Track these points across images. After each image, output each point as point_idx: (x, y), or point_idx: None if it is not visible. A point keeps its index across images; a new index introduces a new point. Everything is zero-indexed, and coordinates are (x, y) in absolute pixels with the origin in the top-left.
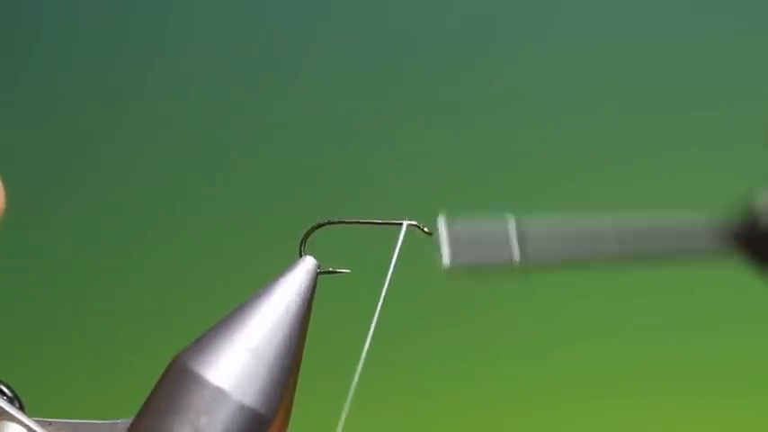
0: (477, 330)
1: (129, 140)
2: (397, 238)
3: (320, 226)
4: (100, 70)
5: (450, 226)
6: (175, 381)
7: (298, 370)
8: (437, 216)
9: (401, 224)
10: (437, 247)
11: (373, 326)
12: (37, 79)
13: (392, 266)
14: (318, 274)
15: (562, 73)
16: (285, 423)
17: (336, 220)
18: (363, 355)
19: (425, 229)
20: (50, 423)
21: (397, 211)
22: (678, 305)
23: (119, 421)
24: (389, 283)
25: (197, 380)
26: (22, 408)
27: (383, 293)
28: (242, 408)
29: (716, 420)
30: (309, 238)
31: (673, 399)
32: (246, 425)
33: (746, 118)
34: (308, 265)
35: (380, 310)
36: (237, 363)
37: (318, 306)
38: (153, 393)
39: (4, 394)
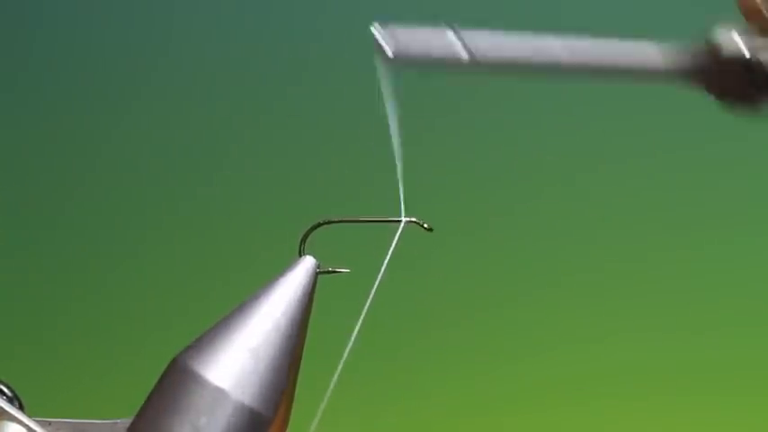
0: (477, 331)
1: (129, 141)
2: (396, 234)
3: (319, 225)
4: (101, 72)
5: (387, 29)
6: (175, 380)
7: (297, 369)
8: (436, 216)
9: (400, 221)
10: (378, 47)
11: (360, 320)
12: (38, 80)
13: (386, 260)
14: (318, 274)
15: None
16: (285, 423)
17: (335, 219)
18: (348, 348)
19: (425, 226)
20: (50, 423)
21: (396, 212)
22: (677, 305)
23: (119, 421)
24: (382, 276)
25: (197, 380)
26: (21, 408)
27: (375, 287)
28: (242, 407)
29: (715, 420)
30: (309, 238)
31: (671, 399)
32: (246, 424)
33: None
34: (307, 264)
35: (370, 305)
36: (237, 362)
37: (318, 306)
38: (153, 393)
39: (4, 394)
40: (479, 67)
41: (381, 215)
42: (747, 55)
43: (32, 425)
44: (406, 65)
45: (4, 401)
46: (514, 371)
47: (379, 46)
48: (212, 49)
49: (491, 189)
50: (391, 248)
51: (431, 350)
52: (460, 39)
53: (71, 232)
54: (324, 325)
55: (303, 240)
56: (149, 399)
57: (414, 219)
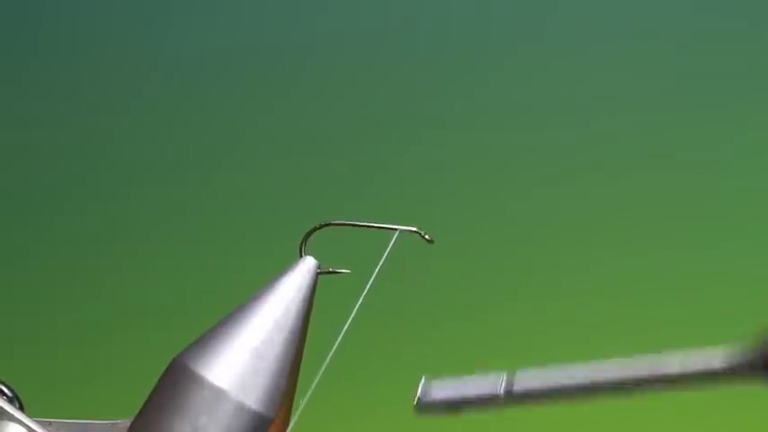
0: (476, 331)
1: (130, 142)
2: (388, 244)
3: (321, 227)
4: (103, 73)
5: (429, 382)
6: (175, 381)
7: (298, 370)
8: (436, 217)
9: (396, 230)
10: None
11: (348, 322)
12: (39, 81)
13: (378, 269)
14: (318, 274)
15: (560, 74)
16: (285, 423)
17: (336, 222)
18: (333, 348)
19: (426, 237)
20: (50, 423)
21: (396, 212)
22: (677, 305)
23: (119, 421)
24: (372, 283)
25: (197, 380)
26: (21, 407)
27: (364, 293)
28: (242, 408)
29: (715, 420)
30: (310, 239)
31: (671, 399)
32: (246, 425)
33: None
34: (308, 265)
35: (365, 308)
36: (237, 363)
37: (318, 306)
38: (153, 393)
39: (4, 394)
40: (518, 403)
41: (381, 217)
42: None
43: (32, 425)
44: (438, 409)
45: (5, 401)
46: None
47: (417, 396)
48: (214, 51)
49: (490, 189)
50: (383, 258)
51: (428, 351)
52: (504, 382)
53: (71, 233)
54: (324, 325)
55: (304, 241)
56: (149, 399)
57: (414, 228)
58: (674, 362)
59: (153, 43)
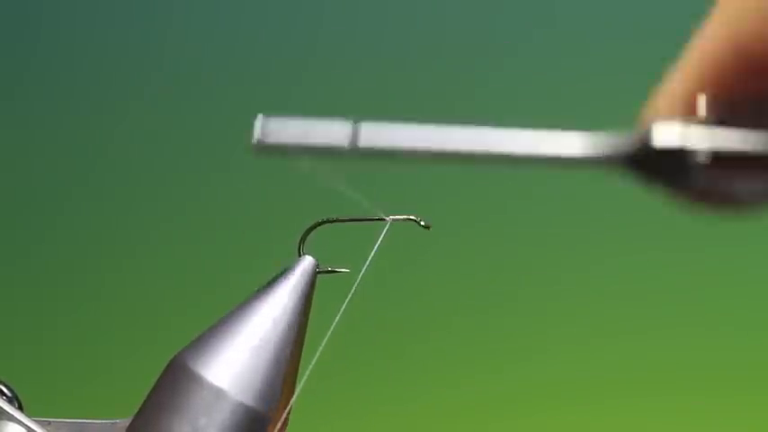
0: (474, 331)
1: (129, 141)
2: (380, 235)
3: (318, 225)
4: (102, 71)
5: (265, 118)
6: (175, 380)
7: (297, 369)
8: (433, 215)
9: (385, 220)
10: (251, 135)
11: (337, 318)
12: (39, 81)
13: (369, 260)
14: (318, 274)
15: (556, 74)
16: (285, 423)
17: (331, 218)
18: (321, 345)
19: (422, 223)
20: (50, 423)
21: (396, 211)
22: (677, 305)
23: (118, 421)
24: (363, 274)
25: (196, 379)
26: (21, 407)
27: (354, 286)
28: (241, 407)
29: (715, 421)
30: (309, 238)
31: (669, 399)
32: (246, 424)
33: None
34: (307, 264)
35: (361, 306)
36: (237, 362)
37: (318, 305)
38: (152, 393)
39: (3, 394)
40: (361, 155)
41: (384, 213)
42: (681, 144)
43: (32, 425)
44: (276, 152)
45: (4, 401)
46: (510, 372)
47: (252, 134)
48: (212, 49)
49: (488, 189)
50: (375, 248)
51: (425, 351)
52: (349, 128)
53: (71, 232)
54: (323, 324)
55: (302, 240)
56: (148, 399)
57: (412, 216)
58: (532, 139)
59: (153, 43)
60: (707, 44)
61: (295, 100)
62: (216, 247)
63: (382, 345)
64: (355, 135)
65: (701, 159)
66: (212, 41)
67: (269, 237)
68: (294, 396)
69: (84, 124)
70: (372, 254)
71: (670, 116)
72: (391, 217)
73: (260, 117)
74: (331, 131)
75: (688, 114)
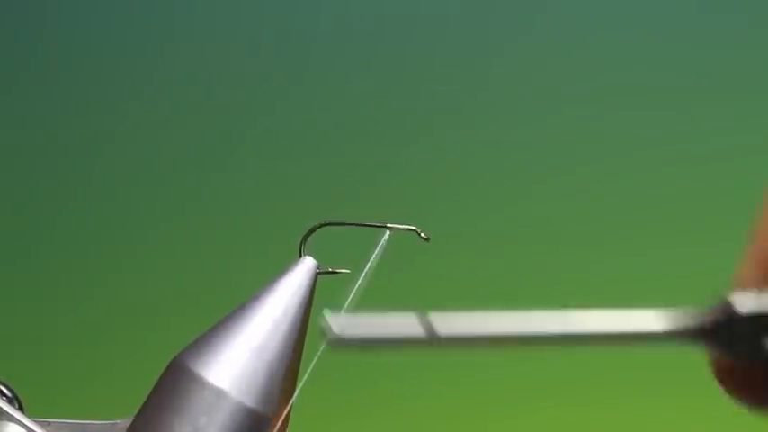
0: None
1: (129, 141)
2: (378, 243)
3: (319, 227)
4: (102, 72)
5: (337, 316)
6: (175, 381)
7: (298, 369)
8: (435, 216)
9: (386, 228)
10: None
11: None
12: (39, 80)
13: (367, 268)
14: (318, 275)
15: (556, 73)
16: (285, 423)
17: (333, 221)
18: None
19: (423, 235)
20: (50, 423)
21: (396, 211)
22: (675, 305)
23: (118, 421)
24: (362, 281)
25: (197, 380)
26: (21, 408)
27: (353, 291)
28: (242, 407)
29: (713, 420)
30: (309, 239)
31: (669, 399)
32: (246, 425)
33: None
34: (307, 265)
35: (358, 306)
36: (237, 363)
37: (318, 306)
38: (153, 393)
39: (3, 394)
40: (440, 344)
41: (381, 216)
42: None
43: (32, 425)
44: (354, 345)
45: (4, 401)
46: (513, 371)
47: (327, 331)
48: (213, 49)
49: (486, 189)
50: (373, 256)
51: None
52: (424, 321)
53: (71, 232)
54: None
55: (303, 241)
56: (149, 399)
57: (413, 227)
58: (610, 320)
59: (153, 43)
60: None
61: (295, 100)
62: (216, 247)
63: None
64: (429, 325)
65: None
66: (212, 41)
67: (269, 238)
68: (294, 396)
69: (84, 124)
70: (371, 261)
71: (752, 286)
72: (391, 225)
73: (330, 315)
74: (405, 324)
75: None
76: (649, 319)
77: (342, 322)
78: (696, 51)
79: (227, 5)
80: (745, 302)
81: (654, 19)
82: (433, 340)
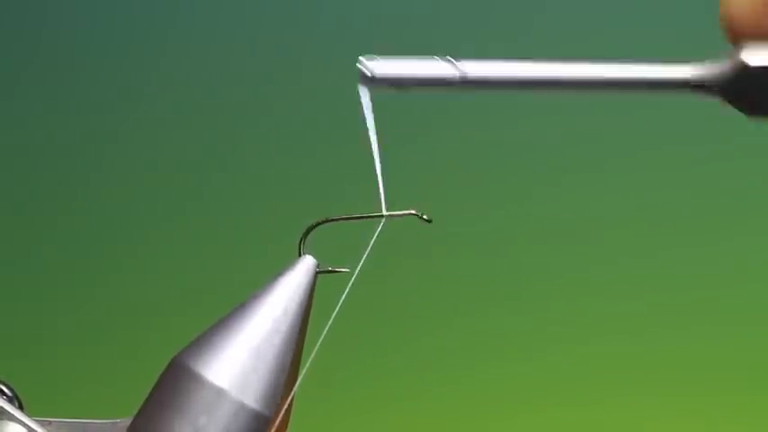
0: (472, 331)
1: (129, 141)
2: (374, 231)
3: (318, 225)
4: (102, 72)
5: (371, 58)
6: (175, 380)
7: (298, 369)
8: (436, 215)
9: (381, 216)
10: (360, 72)
11: (332, 317)
12: (39, 80)
13: (364, 258)
14: (318, 274)
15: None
16: (285, 423)
17: (332, 218)
18: (317, 345)
19: (424, 217)
20: (50, 423)
21: (396, 210)
22: (675, 304)
23: (119, 421)
24: (359, 271)
25: (197, 379)
26: (21, 407)
27: (349, 283)
28: (242, 407)
29: (713, 420)
30: (309, 237)
31: (668, 399)
32: (246, 424)
33: None
34: (307, 264)
35: (346, 300)
36: (237, 362)
37: (318, 305)
38: (152, 393)
39: (3, 394)
40: (470, 87)
41: (387, 210)
42: None
43: (32, 424)
44: (388, 86)
45: (4, 401)
46: (513, 370)
47: (361, 71)
48: (213, 49)
49: (485, 188)
50: (370, 245)
51: (427, 350)
52: (452, 63)
53: (71, 232)
54: (323, 324)
55: (302, 240)
56: (149, 398)
57: (413, 211)
58: (630, 69)
59: (153, 43)
60: None
61: (293, 98)
62: (216, 246)
63: (382, 344)
64: (460, 68)
65: None
66: (213, 41)
67: (269, 237)
68: (293, 394)
69: (84, 124)
70: (368, 251)
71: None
72: (388, 213)
73: (365, 58)
74: (438, 67)
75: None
76: (669, 70)
77: (376, 64)
78: (700, 51)
79: (227, 5)
80: (756, 56)
81: (655, 19)
82: (462, 81)
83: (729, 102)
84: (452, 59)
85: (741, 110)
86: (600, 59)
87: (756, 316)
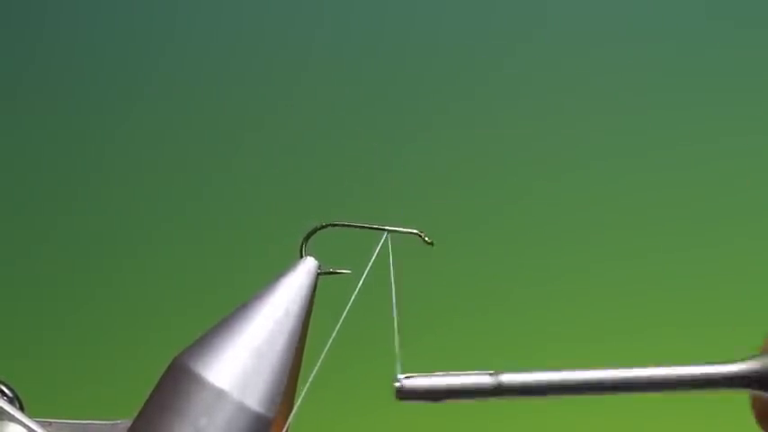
0: (471, 331)
1: (130, 141)
2: (378, 245)
3: (321, 228)
4: (102, 72)
5: (408, 378)
6: (176, 381)
7: (299, 370)
8: (436, 215)
9: (386, 229)
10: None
11: (339, 326)
12: (39, 80)
13: (366, 272)
14: (319, 275)
15: (556, 73)
16: (286, 425)
17: (336, 222)
18: (326, 349)
19: (426, 239)
20: (50, 423)
21: (396, 210)
22: (675, 304)
23: (119, 421)
24: (362, 283)
25: (198, 380)
26: (21, 408)
27: (355, 293)
28: (242, 408)
29: (713, 420)
30: (311, 240)
31: (668, 399)
32: (247, 425)
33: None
34: (308, 265)
35: (361, 309)
36: (238, 363)
37: (319, 307)
38: (153, 393)
39: (4, 394)
40: (505, 395)
41: (381, 216)
42: None
43: (32, 425)
44: (421, 399)
45: (4, 401)
46: (511, 370)
47: (400, 383)
48: (214, 50)
49: (484, 188)
50: (372, 258)
51: (426, 350)
52: (490, 375)
53: (71, 232)
54: (325, 326)
55: (304, 242)
56: (149, 399)
57: (415, 231)
58: (674, 373)
59: (153, 43)
60: None
61: (294, 99)
62: (217, 247)
63: (382, 344)
64: (496, 379)
65: None
66: (213, 41)
67: (270, 238)
68: (296, 398)
69: (84, 124)
70: (370, 263)
71: None
72: (392, 228)
73: (402, 375)
74: (472, 379)
75: None
76: (702, 370)
77: (411, 381)
78: (699, 50)
79: (227, 5)
80: None
81: (657, 19)
82: (496, 391)
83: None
84: (493, 373)
85: None
86: (634, 366)
87: (756, 316)
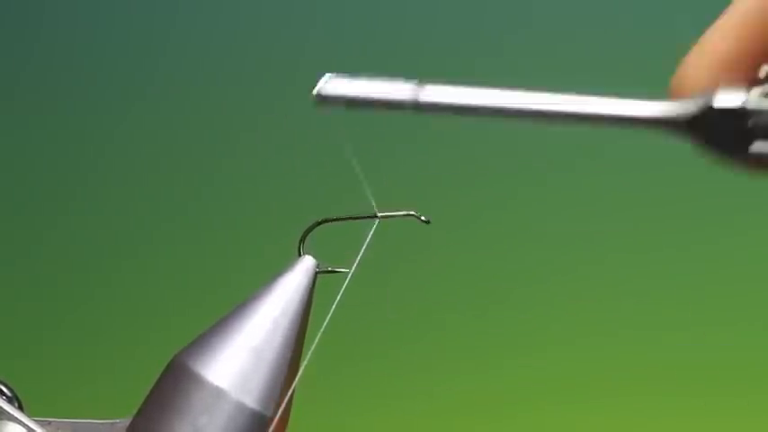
0: (469, 330)
1: (129, 141)
2: (373, 234)
3: (317, 225)
4: (102, 72)
5: (328, 76)
6: (175, 380)
7: (297, 369)
8: (436, 215)
9: (377, 216)
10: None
11: (330, 315)
12: (39, 80)
13: (358, 259)
14: (317, 274)
15: (560, 72)
16: (285, 422)
17: (330, 218)
18: (313, 347)
19: (422, 218)
20: (50, 423)
21: (394, 210)
22: (675, 304)
23: (118, 421)
24: (354, 274)
25: (196, 379)
26: (21, 407)
27: (345, 284)
28: (241, 407)
29: (713, 420)
30: (308, 238)
31: (668, 399)
32: (246, 424)
33: None
34: (306, 264)
35: (343, 300)
36: (237, 362)
37: (318, 305)
38: (152, 393)
39: (3, 394)
40: (424, 111)
41: (383, 210)
42: (741, 104)
43: (32, 425)
44: (336, 105)
45: (4, 401)
46: (510, 370)
47: (315, 88)
48: (212, 49)
49: (483, 186)
50: (364, 246)
51: (425, 349)
52: (410, 88)
53: (71, 232)
54: (322, 325)
55: (302, 240)
56: (148, 399)
57: (412, 212)
58: (602, 103)
59: (153, 43)
60: (751, 2)
61: (292, 98)
62: (216, 246)
63: (382, 344)
64: (416, 93)
65: (760, 121)
66: (212, 41)
67: (269, 237)
68: (290, 393)
69: (84, 124)
70: (362, 251)
71: (706, 75)
72: (386, 213)
73: (326, 75)
74: (395, 89)
75: (726, 74)
76: (638, 106)
77: (331, 82)
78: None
79: (226, 5)
80: (724, 98)
81: (655, 17)
82: (415, 105)
83: (693, 140)
84: (418, 82)
85: (703, 149)
86: (568, 91)
87: (757, 316)
